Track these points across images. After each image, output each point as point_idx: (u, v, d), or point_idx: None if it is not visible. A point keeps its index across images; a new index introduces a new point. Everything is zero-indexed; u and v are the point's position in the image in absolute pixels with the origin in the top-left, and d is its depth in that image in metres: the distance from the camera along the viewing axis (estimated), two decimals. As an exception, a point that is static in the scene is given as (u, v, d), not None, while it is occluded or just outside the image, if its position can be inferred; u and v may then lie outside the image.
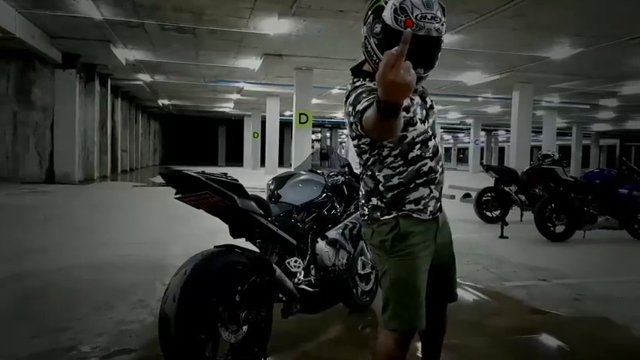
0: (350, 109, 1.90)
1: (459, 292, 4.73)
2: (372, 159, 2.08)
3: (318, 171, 3.75)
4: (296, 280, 3.06)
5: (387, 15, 1.87)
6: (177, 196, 2.59)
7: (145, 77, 19.35)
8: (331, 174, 3.62)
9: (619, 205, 7.60)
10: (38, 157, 15.31)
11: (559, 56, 13.12)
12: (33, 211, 9.52)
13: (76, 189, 14.14)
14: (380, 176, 2.07)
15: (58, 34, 13.10)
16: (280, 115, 25.31)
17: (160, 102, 28.33)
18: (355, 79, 2.03)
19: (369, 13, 1.96)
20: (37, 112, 15.20)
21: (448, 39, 11.50)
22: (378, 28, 1.91)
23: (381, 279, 2.13)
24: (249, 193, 2.79)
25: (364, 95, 1.83)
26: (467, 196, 13.16)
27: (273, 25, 11.00)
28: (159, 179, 20.77)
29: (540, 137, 25.55)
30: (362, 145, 2.06)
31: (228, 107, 30.23)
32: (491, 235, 7.75)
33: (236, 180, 2.70)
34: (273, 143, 24.80)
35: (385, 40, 1.87)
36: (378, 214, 2.08)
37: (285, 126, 30.21)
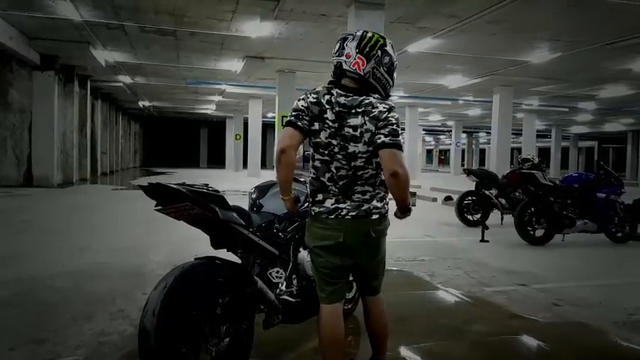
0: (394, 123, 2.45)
1: (441, 295, 4.78)
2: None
3: (301, 179, 3.73)
4: (278, 290, 3.05)
5: (390, 50, 2.58)
6: (158, 208, 2.56)
7: (125, 79, 19.17)
8: (313, 182, 3.61)
9: (597, 208, 7.72)
10: (16, 160, 15.06)
11: (538, 60, 13.32)
12: (9, 216, 9.35)
13: (54, 192, 13.94)
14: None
15: (37, 35, 12.93)
16: (263, 117, 25.24)
17: (141, 103, 28.07)
18: (387, 103, 2.52)
19: (377, 50, 2.52)
20: (14, 114, 14.95)
21: (429, 43, 11.66)
22: (386, 59, 2.55)
23: (383, 260, 2.74)
24: (231, 204, 2.77)
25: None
26: (448, 198, 13.26)
27: (255, 28, 10.98)
28: (139, 182, 20.59)
29: (520, 139, 25.87)
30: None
31: (210, 109, 30.06)
32: (472, 239, 7.81)
33: (217, 191, 2.67)
34: (256, 145, 24.74)
35: (391, 67, 2.58)
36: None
37: (268, 128, 30.15)
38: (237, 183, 18.59)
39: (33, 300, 4.30)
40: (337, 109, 2.49)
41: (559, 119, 31.11)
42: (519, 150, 28.38)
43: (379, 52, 2.53)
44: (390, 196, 2.61)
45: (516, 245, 7.44)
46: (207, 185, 2.70)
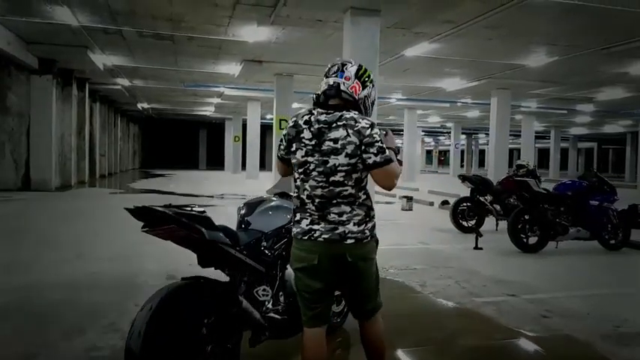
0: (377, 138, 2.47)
1: (431, 306, 4.79)
2: (363, 181, 2.55)
3: (292, 193, 3.76)
4: (264, 308, 3.09)
5: (375, 88, 2.76)
6: (145, 229, 2.60)
7: (124, 82, 19.20)
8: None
9: (590, 216, 7.75)
10: (14, 164, 15.10)
11: (535, 64, 13.36)
12: (7, 222, 9.38)
13: (51, 196, 13.98)
14: (368, 201, 2.58)
15: (34, 39, 12.98)
16: (262, 119, 25.29)
17: (140, 106, 28.10)
18: (369, 122, 2.53)
19: (370, 82, 2.68)
20: (12, 118, 14.99)
21: (427, 47, 11.69)
22: (373, 94, 2.72)
23: (375, 281, 2.69)
24: (217, 224, 2.81)
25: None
26: (445, 203, 13.28)
27: (253, 33, 11.02)
28: (137, 186, 20.64)
29: (519, 140, 25.89)
30: (359, 164, 2.48)
31: (208, 111, 30.10)
32: (465, 247, 7.84)
33: (203, 212, 2.72)
34: (254, 147, 24.80)
35: (373, 101, 2.74)
36: (374, 232, 2.61)
37: (267, 129, 30.17)
38: (236, 185, 18.67)
39: (25, 312, 4.33)
40: (317, 126, 2.52)
41: (558, 121, 31.13)
42: (519, 151, 28.40)
43: (371, 85, 2.69)
44: (374, 221, 2.63)
45: (509, 253, 7.46)
46: (193, 206, 2.76)
